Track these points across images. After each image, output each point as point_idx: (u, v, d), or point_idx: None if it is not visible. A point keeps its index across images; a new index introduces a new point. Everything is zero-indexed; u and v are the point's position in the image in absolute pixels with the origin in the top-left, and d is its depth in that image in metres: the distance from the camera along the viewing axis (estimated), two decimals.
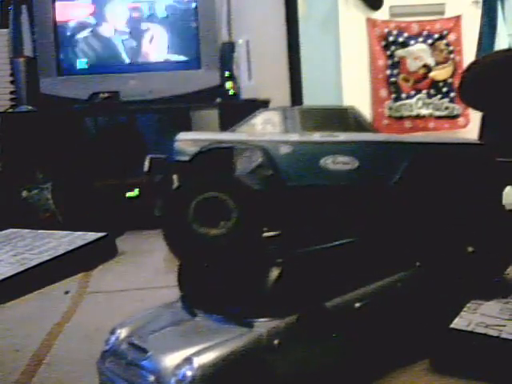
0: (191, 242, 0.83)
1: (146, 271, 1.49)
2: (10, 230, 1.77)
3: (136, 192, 2.06)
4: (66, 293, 1.31)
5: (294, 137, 0.92)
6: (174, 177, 0.88)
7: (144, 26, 2.25)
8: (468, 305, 0.89)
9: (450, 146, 1.03)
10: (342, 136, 0.94)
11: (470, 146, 1.05)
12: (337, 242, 0.81)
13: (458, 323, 0.83)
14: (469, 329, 0.81)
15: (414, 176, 0.94)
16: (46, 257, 1.45)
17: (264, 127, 0.95)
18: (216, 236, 0.81)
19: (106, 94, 2.10)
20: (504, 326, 0.81)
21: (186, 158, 0.88)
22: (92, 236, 1.60)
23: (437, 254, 0.91)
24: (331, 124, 0.97)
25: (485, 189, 0.92)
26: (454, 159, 1.00)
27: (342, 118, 1.02)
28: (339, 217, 0.89)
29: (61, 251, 1.49)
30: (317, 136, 0.92)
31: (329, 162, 0.92)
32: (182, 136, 0.93)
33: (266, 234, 0.84)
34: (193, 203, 0.83)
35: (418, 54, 2.79)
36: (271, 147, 0.91)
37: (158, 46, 2.26)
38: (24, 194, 1.99)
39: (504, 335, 0.79)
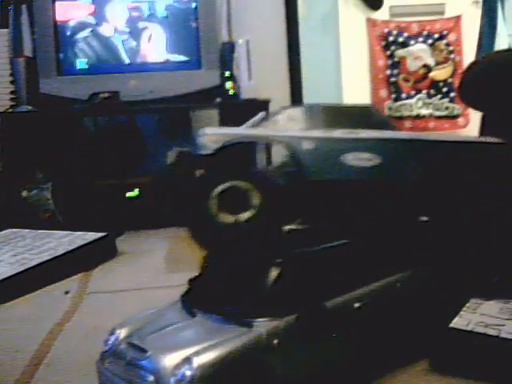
0: (212, 229, 0.84)
1: (146, 271, 1.49)
2: (10, 230, 1.77)
3: (136, 192, 2.06)
4: (66, 293, 1.31)
5: (317, 133, 0.93)
6: (198, 170, 0.89)
7: (144, 25, 2.25)
8: (468, 304, 0.89)
9: (471, 144, 1.04)
10: (364, 133, 0.95)
11: (490, 145, 1.05)
12: (336, 242, 0.81)
13: (457, 323, 0.83)
14: (468, 328, 0.81)
15: (434, 174, 0.95)
16: (45, 257, 1.45)
17: (287, 124, 0.96)
18: (237, 224, 0.81)
19: (106, 94, 2.10)
20: (503, 325, 0.81)
21: (210, 152, 0.89)
22: (92, 236, 1.60)
23: (453, 250, 0.92)
24: (353, 122, 0.99)
25: (504, 187, 0.93)
26: (474, 158, 1.01)
27: (364, 116, 1.04)
28: (359, 212, 0.91)
29: (61, 251, 1.49)
30: (338, 133, 0.93)
31: (350, 159, 0.93)
32: (207, 131, 0.94)
33: (286, 228, 0.85)
34: (215, 191, 0.84)
35: (418, 53, 2.79)
36: (294, 143, 0.91)
37: (157, 46, 2.26)
38: (24, 193, 1.99)
39: (503, 334, 0.79)
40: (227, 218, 0.82)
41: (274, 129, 0.95)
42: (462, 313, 0.86)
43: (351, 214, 0.90)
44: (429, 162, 0.96)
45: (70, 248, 1.52)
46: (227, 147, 0.90)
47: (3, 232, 1.75)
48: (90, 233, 1.62)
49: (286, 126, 0.97)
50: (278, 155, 0.93)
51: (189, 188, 0.90)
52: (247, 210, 0.83)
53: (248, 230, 0.81)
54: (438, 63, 2.81)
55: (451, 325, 0.83)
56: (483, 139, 1.07)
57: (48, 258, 1.45)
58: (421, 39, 2.80)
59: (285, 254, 0.75)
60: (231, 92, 2.25)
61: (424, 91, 2.81)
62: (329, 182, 0.91)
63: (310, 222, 0.87)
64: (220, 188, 0.84)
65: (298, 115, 0.97)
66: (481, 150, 1.04)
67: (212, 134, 0.94)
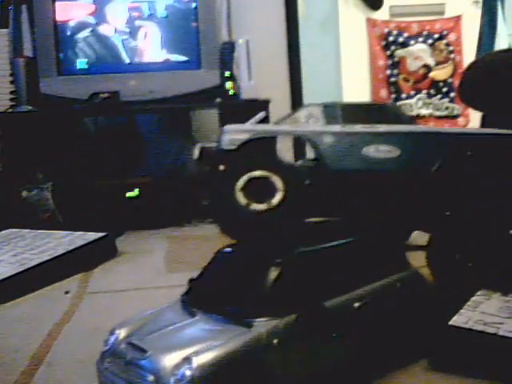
0: (239, 218, 0.86)
1: (146, 271, 1.49)
2: (10, 230, 1.77)
3: (136, 192, 2.06)
4: (66, 293, 1.31)
5: (337, 128, 0.95)
6: (222, 166, 0.92)
7: (144, 25, 2.25)
8: (468, 302, 0.89)
9: (489, 136, 1.05)
10: (383, 127, 0.97)
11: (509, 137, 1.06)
12: (336, 242, 0.81)
13: (456, 320, 0.83)
14: (467, 326, 0.81)
15: (453, 166, 0.97)
16: (46, 257, 1.45)
17: (307, 121, 0.99)
18: (262, 211, 0.84)
19: (106, 94, 2.10)
20: (502, 323, 0.81)
21: (234, 147, 0.92)
22: (92, 236, 1.60)
23: (476, 240, 0.93)
24: (372, 119, 1.01)
25: None
26: (494, 150, 1.02)
27: (383, 113, 1.06)
28: (377, 204, 0.93)
29: (61, 251, 1.49)
30: (358, 127, 0.96)
31: (371, 151, 0.95)
32: (230, 127, 0.97)
33: (310, 220, 0.88)
34: (240, 181, 0.86)
35: (418, 53, 2.79)
36: (315, 137, 0.94)
37: (157, 46, 2.26)
38: (24, 193, 1.99)
39: (502, 332, 0.79)
40: (254, 206, 0.84)
41: (295, 125, 0.98)
42: (462, 311, 0.86)
43: (369, 205, 0.93)
44: (450, 154, 0.99)
45: (70, 248, 1.52)
46: (250, 142, 0.92)
47: (3, 232, 1.75)
48: (90, 233, 1.62)
49: (307, 123, 0.99)
50: (300, 149, 0.97)
51: (215, 179, 0.92)
52: (272, 200, 0.85)
53: (272, 219, 0.83)
54: (437, 63, 2.81)
55: (450, 322, 0.83)
56: (502, 131, 1.08)
57: (48, 258, 1.45)
58: (421, 39, 2.80)
59: (285, 253, 0.75)
60: (231, 92, 2.25)
61: (424, 91, 2.81)
62: (349, 172, 0.94)
63: (330, 214, 0.90)
64: (246, 177, 0.86)
65: (318, 113, 0.99)
66: (499, 141, 1.05)
67: (235, 131, 0.96)
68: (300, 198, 0.85)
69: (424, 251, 1.06)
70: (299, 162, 0.97)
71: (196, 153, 0.97)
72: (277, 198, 0.84)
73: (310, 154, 0.98)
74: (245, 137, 0.93)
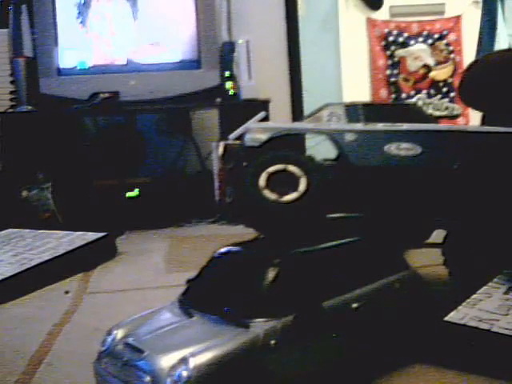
0: (262, 209, 0.87)
1: (145, 271, 1.49)
2: (10, 230, 1.77)
3: (136, 192, 2.06)
4: (66, 293, 1.31)
5: (359, 126, 0.98)
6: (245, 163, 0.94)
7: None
8: (468, 300, 0.89)
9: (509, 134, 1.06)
10: (405, 126, 0.99)
11: None
12: (335, 243, 0.81)
13: (452, 316, 0.84)
14: (462, 322, 0.82)
15: (474, 164, 0.99)
16: (46, 257, 1.45)
17: (329, 120, 1.00)
18: (286, 203, 0.85)
19: (106, 94, 2.10)
20: (498, 320, 0.81)
21: (257, 144, 0.93)
22: (92, 236, 1.60)
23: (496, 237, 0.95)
24: (393, 118, 1.02)
25: None
26: None
27: (405, 113, 1.08)
28: (401, 200, 0.96)
29: (61, 251, 1.50)
30: (380, 125, 0.97)
31: (393, 148, 0.97)
32: (252, 124, 0.98)
33: (330, 216, 0.90)
34: (261, 176, 0.87)
35: (418, 53, 2.79)
36: (337, 135, 0.97)
37: (158, 46, 2.26)
38: (24, 193, 1.99)
39: (495, 329, 0.79)
40: (282, 199, 0.86)
41: (318, 123, 0.99)
42: (460, 307, 0.86)
43: (389, 201, 0.95)
44: (471, 152, 1.00)
45: (70, 248, 1.52)
46: (273, 140, 0.94)
47: (3, 232, 1.75)
48: (90, 233, 1.62)
49: (329, 121, 1.01)
50: (323, 146, 0.98)
51: (240, 177, 0.94)
52: (293, 190, 0.87)
53: (294, 212, 0.85)
54: (437, 63, 2.81)
55: (446, 318, 0.83)
56: None
57: (48, 257, 1.45)
58: (421, 39, 2.80)
59: (282, 254, 0.75)
60: (231, 92, 2.25)
61: (424, 91, 2.81)
62: (371, 168, 0.96)
63: (351, 210, 0.93)
64: (270, 169, 0.88)
65: (340, 111, 1.01)
66: None
67: (258, 128, 0.98)
68: (323, 188, 0.87)
69: (440, 248, 1.08)
70: (322, 160, 0.99)
71: (220, 150, 0.98)
72: (302, 186, 0.86)
73: (332, 153, 1.00)
74: (268, 135, 0.94)
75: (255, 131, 0.96)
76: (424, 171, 0.98)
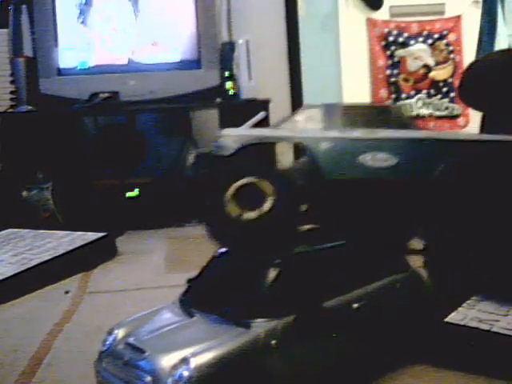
0: (227, 225, 0.83)
1: (146, 271, 1.49)
2: (10, 229, 1.77)
3: (136, 192, 2.06)
4: (66, 293, 1.31)
5: (334, 133, 0.91)
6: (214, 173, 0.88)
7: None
8: (468, 301, 0.89)
9: (491, 143, 1.02)
10: (382, 133, 0.92)
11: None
12: (335, 243, 0.81)
13: (452, 317, 0.84)
14: (462, 323, 0.82)
15: (453, 174, 0.94)
16: (46, 257, 1.45)
17: (306, 124, 0.95)
18: (250, 220, 0.80)
19: (106, 94, 2.10)
20: (498, 320, 0.82)
21: (229, 153, 0.88)
22: (92, 236, 1.60)
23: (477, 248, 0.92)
24: (373, 122, 0.96)
25: None
26: (496, 157, 0.99)
27: (384, 116, 1.01)
28: (375, 212, 0.90)
29: (61, 251, 1.49)
30: (356, 133, 0.91)
31: (368, 159, 0.90)
32: (226, 131, 0.94)
33: (302, 228, 0.84)
34: (229, 190, 0.82)
35: (418, 53, 2.80)
36: (311, 143, 0.89)
37: (157, 46, 2.26)
38: (24, 193, 1.99)
39: (495, 329, 0.79)
40: (245, 215, 0.81)
41: (293, 129, 0.94)
42: (460, 308, 0.86)
43: (363, 213, 0.89)
44: (448, 162, 0.95)
45: (70, 248, 1.52)
46: (246, 147, 0.89)
47: (3, 232, 1.75)
48: (90, 233, 1.62)
49: (305, 126, 0.95)
50: (296, 156, 0.92)
51: (205, 185, 0.90)
52: (260, 206, 0.82)
53: (262, 227, 0.80)
54: (438, 63, 2.81)
55: (446, 319, 0.83)
56: (503, 137, 1.05)
57: (48, 257, 1.45)
58: (421, 39, 2.80)
59: (283, 254, 0.75)
60: (231, 92, 2.25)
61: (424, 91, 2.81)
62: (344, 181, 0.90)
63: (324, 222, 0.86)
64: (235, 186, 0.83)
65: (317, 115, 0.95)
66: (502, 148, 1.03)
67: (231, 135, 0.93)
68: (291, 204, 0.81)
69: (421, 255, 1.06)
70: (294, 171, 0.91)
71: (191, 158, 0.93)
72: (267, 204, 0.79)
73: (305, 160, 0.93)
74: (241, 142, 0.89)
75: (228, 138, 0.91)
76: (399, 184, 0.90)
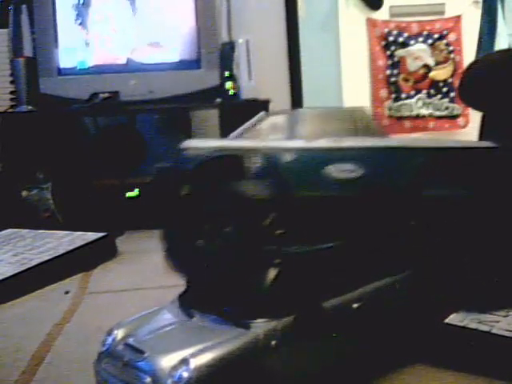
0: (189, 253, 0.81)
1: (146, 271, 1.49)
2: (10, 229, 1.77)
3: (136, 192, 2.06)
4: (66, 293, 1.31)
5: (298, 143, 0.83)
6: (179, 186, 0.83)
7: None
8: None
9: (462, 150, 0.98)
10: (347, 142, 0.87)
11: (483, 150, 1.00)
12: (335, 243, 0.81)
13: (452, 318, 0.84)
14: (462, 324, 0.82)
15: (423, 183, 0.90)
16: (46, 257, 1.45)
17: (270, 132, 0.90)
18: (214, 247, 0.75)
19: (106, 94, 2.10)
20: (498, 322, 0.82)
21: (192, 167, 0.83)
22: (92, 236, 1.60)
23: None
24: (339, 127, 0.91)
25: (501, 194, 0.90)
26: (468, 164, 0.95)
27: (350, 120, 0.96)
28: (340, 225, 0.84)
29: (61, 251, 1.49)
30: (322, 142, 0.85)
31: (332, 170, 0.85)
32: (187, 144, 0.88)
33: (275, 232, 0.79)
34: (192, 212, 0.78)
35: (418, 53, 2.80)
36: (274, 154, 0.81)
37: (157, 46, 2.26)
38: (24, 193, 1.99)
39: (495, 330, 0.79)
40: (201, 243, 0.76)
41: (256, 139, 0.88)
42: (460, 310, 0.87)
43: (331, 227, 0.82)
44: (416, 169, 0.90)
45: (70, 248, 1.52)
46: (207, 161, 0.83)
47: (3, 232, 1.75)
48: (90, 233, 1.62)
49: (270, 135, 0.90)
50: (259, 168, 0.86)
51: (167, 207, 0.86)
52: (223, 230, 0.76)
53: (226, 256, 0.75)
54: (438, 63, 2.81)
55: (446, 320, 0.83)
56: (474, 144, 1.03)
57: (48, 257, 1.45)
58: (421, 39, 2.80)
59: (283, 254, 0.75)
60: (231, 92, 2.25)
61: (424, 91, 2.81)
62: (310, 196, 0.84)
63: (291, 237, 0.76)
64: (198, 209, 0.78)
65: (283, 122, 0.90)
66: (474, 155, 1.00)
67: (194, 148, 0.88)
68: (254, 230, 0.75)
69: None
70: (257, 185, 0.83)
71: (153, 175, 0.87)
72: (225, 235, 0.74)
73: (268, 172, 0.86)
74: (204, 154, 0.83)
75: (189, 152, 0.85)
76: (364, 198, 0.82)
